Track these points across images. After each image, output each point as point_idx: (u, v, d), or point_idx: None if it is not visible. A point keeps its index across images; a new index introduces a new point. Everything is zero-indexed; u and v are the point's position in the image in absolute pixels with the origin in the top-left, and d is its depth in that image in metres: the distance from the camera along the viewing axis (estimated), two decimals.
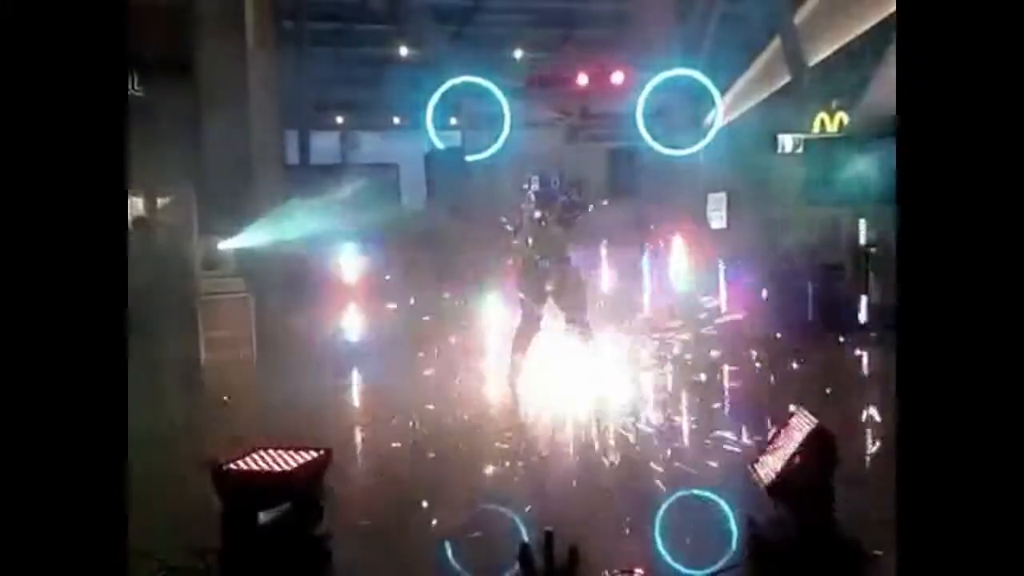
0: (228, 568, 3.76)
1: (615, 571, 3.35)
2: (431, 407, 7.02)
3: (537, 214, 7.53)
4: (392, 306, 10.09)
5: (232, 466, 3.89)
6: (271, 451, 4.02)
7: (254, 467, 3.91)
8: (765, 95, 15.32)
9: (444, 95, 12.88)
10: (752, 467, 3.96)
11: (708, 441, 5.96)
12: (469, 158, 12.45)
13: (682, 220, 11.32)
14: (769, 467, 3.81)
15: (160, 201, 10.99)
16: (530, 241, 7.59)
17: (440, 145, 13.07)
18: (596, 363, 7.82)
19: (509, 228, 7.85)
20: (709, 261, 10.82)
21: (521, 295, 7.74)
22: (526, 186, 7.72)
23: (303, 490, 3.93)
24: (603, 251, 10.71)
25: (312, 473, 3.97)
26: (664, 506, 4.82)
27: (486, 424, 6.78)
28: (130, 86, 12.29)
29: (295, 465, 3.92)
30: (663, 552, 4.22)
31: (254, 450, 4.02)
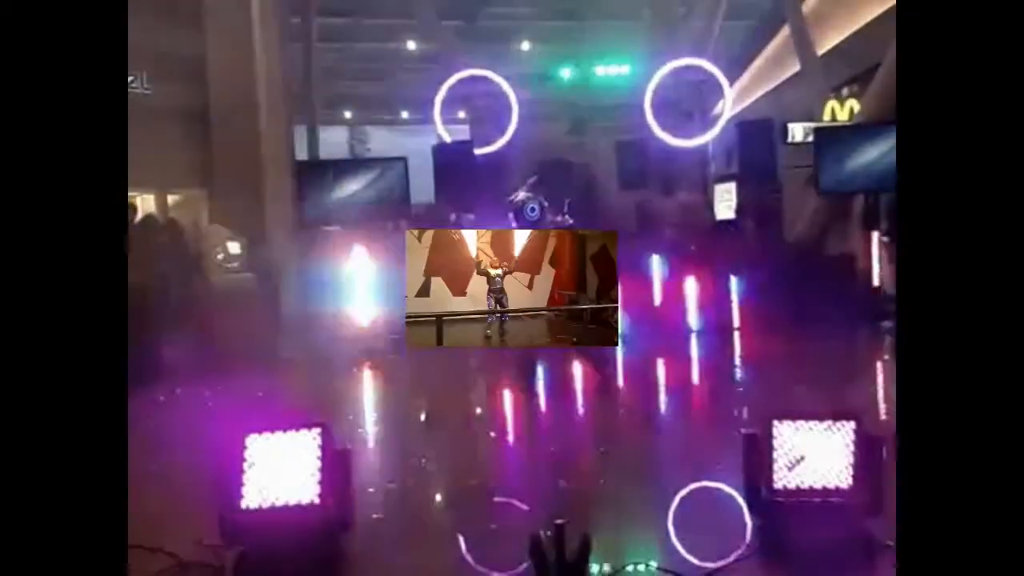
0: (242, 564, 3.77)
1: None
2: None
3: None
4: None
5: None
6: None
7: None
8: (774, 84, 15.28)
9: (452, 89, 12.87)
10: None
11: None
12: (478, 151, 12.43)
13: (689, 214, 11.20)
14: None
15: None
16: None
17: (448, 139, 13.06)
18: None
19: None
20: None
21: None
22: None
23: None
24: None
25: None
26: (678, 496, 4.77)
27: None
28: (140, 85, 12.41)
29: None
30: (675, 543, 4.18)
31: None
